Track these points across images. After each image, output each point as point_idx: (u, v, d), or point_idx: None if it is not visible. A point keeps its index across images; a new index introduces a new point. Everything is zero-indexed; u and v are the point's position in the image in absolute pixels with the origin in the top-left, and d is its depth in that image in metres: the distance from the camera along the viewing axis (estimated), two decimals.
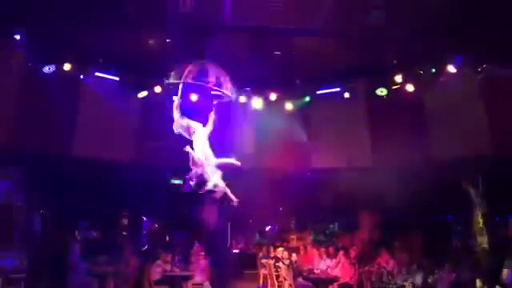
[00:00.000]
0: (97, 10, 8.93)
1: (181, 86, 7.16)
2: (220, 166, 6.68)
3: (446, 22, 9.09)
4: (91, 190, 11.39)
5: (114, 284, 10.93)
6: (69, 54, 10.85)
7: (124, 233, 13.33)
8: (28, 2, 8.79)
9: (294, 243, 14.70)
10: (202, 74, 6.90)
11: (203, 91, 7.40)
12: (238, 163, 6.70)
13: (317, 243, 14.40)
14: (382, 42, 10.00)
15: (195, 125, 6.96)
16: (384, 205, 12.74)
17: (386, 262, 11.72)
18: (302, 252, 13.61)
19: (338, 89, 12.24)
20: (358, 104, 12.32)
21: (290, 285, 11.45)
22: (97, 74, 11.46)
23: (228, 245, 14.62)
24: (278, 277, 11.62)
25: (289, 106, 12.56)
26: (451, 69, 10.68)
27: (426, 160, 11.44)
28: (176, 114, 7.08)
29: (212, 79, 6.88)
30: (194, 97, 10.52)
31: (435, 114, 11.44)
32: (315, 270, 12.40)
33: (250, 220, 15.59)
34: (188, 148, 6.58)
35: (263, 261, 12.75)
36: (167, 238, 14.15)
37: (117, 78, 11.71)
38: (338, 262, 12.14)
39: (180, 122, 7.04)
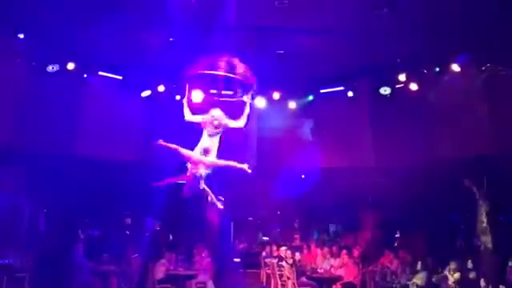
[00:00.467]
0: (100, 9, 8.93)
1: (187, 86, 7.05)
2: (222, 168, 6.67)
3: (449, 21, 9.06)
4: (94, 190, 11.39)
5: (117, 283, 10.94)
6: (72, 53, 10.86)
7: (127, 232, 13.34)
8: (31, 2, 8.79)
9: (297, 242, 14.69)
10: (232, 68, 6.88)
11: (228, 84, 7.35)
12: (245, 167, 6.63)
13: (320, 243, 14.39)
14: (385, 40, 9.96)
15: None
16: (387, 204, 12.74)
17: (389, 261, 11.70)
18: (305, 251, 13.60)
19: (341, 88, 12.22)
20: (362, 103, 12.29)
21: (294, 284, 11.44)
22: (100, 73, 11.47)
23: (231, 244, 14.62)
24: (281, 276, 11.61)
25: (292, 104, 12.55)
26: (455, 68, 10.64)
27: (429, 159, 11.40)
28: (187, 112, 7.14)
29: (240, 71, 6.88)
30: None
31: (439, 113, 11.39)
32: (319, 270, 12.40)
33: (252, 219, 15.60)
34: (161, 141, 6.58)
35: (266, 260, 12.75)
36: (170, 237, 14.15)
37: (120, 77, 11.71)
38: (342, 262, 12.13)
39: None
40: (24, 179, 10.68)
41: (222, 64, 6.89)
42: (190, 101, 7.15)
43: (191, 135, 11.73)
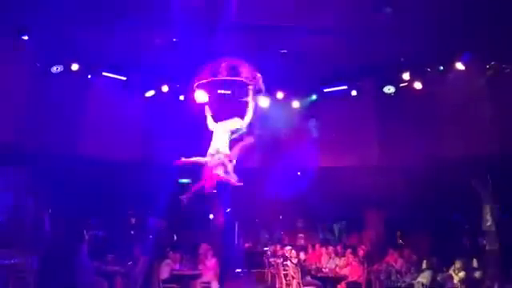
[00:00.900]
0: (104, 9, 8.95)
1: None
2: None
3: (453, 20, 9.04)
4: (99, 190, 11.43)
5: (122, 283, 10.95)
6: (76, 54, 10.89)
7: (132, 232, 13.36)
8: (36, 3, 8.82)
9: (301, 242, 14.70)
10: (234, 70, 6.97)
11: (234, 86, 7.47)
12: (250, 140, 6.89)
13: (325, 242, 14.39)
14: (389, 39, 9.94)
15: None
16: (392, 203, 12.71)
17: (394, 260, 11.68)
18: (310, 251, 13.60)
19: (345, 87, 12.20)
20: (366, 102, 12.28)
21: (299, 283, 11.43)
22: (104, 73, 11.50)
23: (236, 244, 14.63)
24: (286, 276, 11.61)
25: (296, 104, 12.54)
26: (459, 66, 10.61)
27: (433, 158, 11.37)
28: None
29: (245, 74, 6.96)
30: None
31: (443, 112, 11.37)
32: (323, 269, 12.41)
33: (257, 219, 15.60)
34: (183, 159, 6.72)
35: (271, 260, 12.75)
36: (175, 237, 14.17)
37: (124, 78, 11.74)
38: (347, 261, 12.13)
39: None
40: (29, 179, 10.72)
41: (226, 68, 6.95)
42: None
43: (194, 135, 11.81)
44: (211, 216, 14.28)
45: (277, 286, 11.88)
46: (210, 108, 7.55)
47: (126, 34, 9.91)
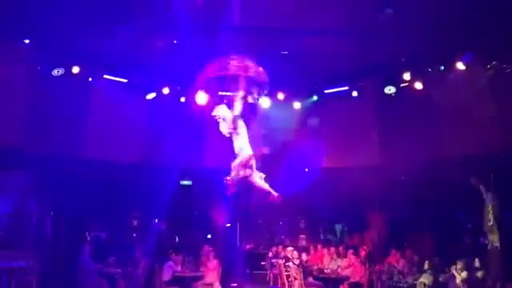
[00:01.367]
0: (104, 12, 8.97)
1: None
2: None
3: (453, 20, 9.04)
4: (101, 192, 11.43)
5: (124, 285, 10.96)
6: (77, 57, 10.91)
7: (134, 234, 13.37)
8: (36, 6, 8.84)
9: (303, 243, 14.70)
10: (245, 68, 6.87)
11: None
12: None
13: (327, 243, 14.39)
14: (389, 40, 9.95)
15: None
16: (393, 204, 12.71)
17: (396, 261, 11.68)
18: (312, 252, 13.59)
19: (346, 87, 12.21)
20: (367, 102, 12.28)
21: (301, 284, 11.42)
22: (105, 76, 11.51)
23: (238, 245, 14.64)
24: (288, 277, 11.59)
25: (297, 105, 12.55)
26: (460, 66, 10.60)
27: (435, 158, 11.37)
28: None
29: (253, 70, 6.88)
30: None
31: (444, 112, 11.36)
32: (325, 270, 12.41)
33: (259, 220, 15.60)
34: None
35: (273, 261, 12.74)
36: (177, 239, 14.19)
37: (125, 80, 11.76)
38: (348, 262, 12.13)
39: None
40: (31, 182, 10.71)
41: (235, 64, 6.87)
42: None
43: (195, 136, 11.81)
44: (213, 217, 14.28)
45: (279, 287, 11.88)
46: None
47: (126, 36, 9.91)
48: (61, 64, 10.80)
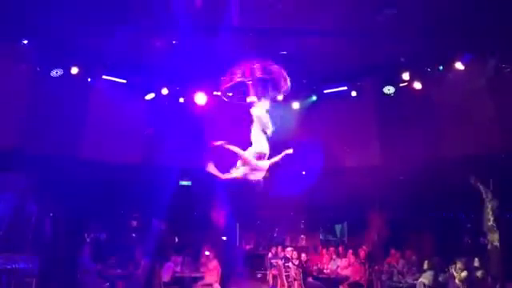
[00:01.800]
0: (103, 12, 8.96)
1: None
2: None
3: (452, 20, 9.04)
4: (100, 193, 11.43)
5: (124, 286, 10.97)
6: (76, 57, 10.89)
7: (133, 234, 13.38)
8: (35, 6, 8.83)
9: (303, 243, 14.70)
10: (265, 70, 6.95)
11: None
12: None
13: (326, 243, 14.40)
14: (388, 40, 9.94)
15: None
16: (393, 204, 12.71)
17: (396, 261, 11.70)
18: (311, 252, 13.60)
19: (345, 87, 12.20)
20: (366, 102, 12.25)
21: (300, 285, 11.45)
22: (104, 76, 11.50)
23: (237, 246, 14.64)
24: (287, 277, 11.62)
25: (296, 105, 12.54)
26: (459, 66, 10.60)
27: (434, 157, 11.37)
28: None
29: (258, 72, 6.94)
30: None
31: (443, 112, 11.36)
32: (325, 270, 12.42)
33: (259, 221, 15.61)
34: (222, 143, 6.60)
35: (273, 261, 12.75)
36: (176, 240, 14.19)
37: (124, 81, 11.75)
38: (348, 262, 12.14)
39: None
40: (30, 183, 10.72)
41: (260, 68, 6.95)
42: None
43: (194, 137, 11.80)
44: (212, 218, 14.28)
45: (278, 287, 11.89)
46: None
47: (125, 36, 9.90)
48: (60, 65, 10.77)
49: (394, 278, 11.10)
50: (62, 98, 10.79)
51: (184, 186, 14.43)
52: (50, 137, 10.79)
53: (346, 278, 11.81)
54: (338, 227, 15.32)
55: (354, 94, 12.11)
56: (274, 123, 7.59)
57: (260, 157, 6.83)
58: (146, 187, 11.82)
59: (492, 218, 10.47)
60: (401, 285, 10.78)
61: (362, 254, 12.14)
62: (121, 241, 12.52)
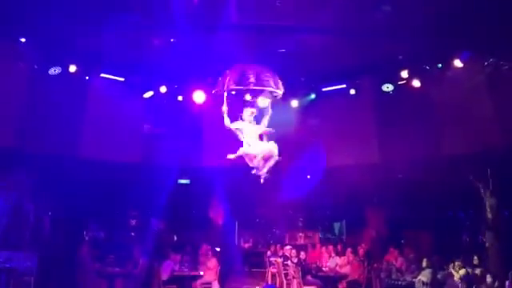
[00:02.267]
0: (101, 10, 8.93)
1: (225, 94, 7.27)
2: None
3: (451, 17, 9.03)
4: (99, 191, 11.42)
5: (122, 284, 10.96)
6: (74, 55, 10.86)
7: (132, 233, 13.36)
8: (33, 5, 8.80)
9: (301, 241, 14.70)
10: (242, 77, 7.02)
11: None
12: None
13: (325, 241, 14.39)
14: (387, 37, 9.93)
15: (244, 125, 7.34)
16: (392, 201, 12.72)
17: (394, 259, 11.70)
18: (310, 250, 13.59)
19: (343, 85, 12.18)
20: (364, 100, 12.24)
21: (299, 283, 11.44)
22: (102, 75, 11.48)
23: (236, 244, 14.64)
24: (286, 275, 11.61)
25: (294, 103, 12.52)
26: (458, 63, 10.59)
27: (433, 155, 11.37)
28: (227, 120, 7.25)
29: (252, 80, 7.00)
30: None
31: (442, 109, 11.35)
32: (324, 268, 12.42)
33: (258, 219, 15.61)
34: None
35: (271, 259, 12.75)
36: (175, 238, 14.18)
37: (122, 79, 11.72)
38: (347, 260, 12.14)
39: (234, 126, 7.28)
40: (29, 182, 10.70)
41: (235, 77, 7.01)
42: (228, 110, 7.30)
43: (192, 135, 11.78)
44: (211, 216, 14.29)
45: (277, 285, 11.88)
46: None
47: (123, 34, 9.88)
48: (57, 63, 10.74)
49: (393, 276, 11.10)
50: (60, 96, 10.76)
51: (183, 184, 14.42)
52: (47, 135, 10.78)
53: (345, 275, 11.81)
54: (336, 225, 15.31)
55: (352, 91, 12.09)
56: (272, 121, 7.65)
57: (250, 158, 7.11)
58: (144, 186, 11.80)
59: (491, 216, 10.47)
60: (399, 283, 10.77)
61: (360, 251, 12.14)
62: (119, 239, 12.51)
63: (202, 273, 11.63)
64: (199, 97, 11.48)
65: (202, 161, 13.15)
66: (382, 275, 11.32)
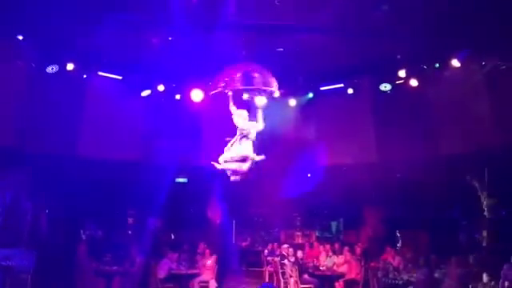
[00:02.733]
0: (98, 9, 8.91)
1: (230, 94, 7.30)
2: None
3: (449, 16, 9.03)
4: (96, 190, 11.40)
5: (119, 283, 10.96)
6: (71, 53, 10.83)
7: (129, 232, 13.36)
8: (30, 3, 8.78)
9: (299, 240, 14.72)
10: (246, 77, 7.06)
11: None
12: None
13: (322, 240, 14.41)
14: (385, 37, 9.93)
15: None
16: (389, 200, 12.73)
17: (391, 257, 11.71)
18: (307, 249, 13.61)
19: (341, 85, 12.18)
20: (362, 99, 12.24)
21: (296, 282, 11.45)
22: (100, 73, 11.45)
23: (233, 243, 14.65)
24: (283, 274, 11.62)
25: (292, 102, 12.52)
26: (455, 63, 10.59)
27: (431, 155, 11.39)
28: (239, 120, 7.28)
29: (258, 81, 7.06)
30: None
31: (440, 109, 11.36)
32: (321, 267, 12.43)
33: (255, 218, 15.62)
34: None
35: (269, 258, 12.77)
36: (172, 237, 14.19)
37: (120, 77, 11.70)
38: (344, 259, 12.16)
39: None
40: (26, 180, 10.69)
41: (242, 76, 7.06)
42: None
43: (190, 134, 11.76)
44: (209, 215, 14.29)
45: (274, 284, 11.89)
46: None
47: (121, 32, 9.85)
48: (55, 61, 10.71)
49: (390, 275, 11.11)
50: (58, 95, 10.73)
51: (180, 183, 14.41)
52: (45, 134, 10.75)
53: (342, 274, 11.83)
54: (334, 224, 15.34)
55: (350, 91, 12.09)
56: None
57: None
58: (141, 184, 11.79)
59: (488, 216, 10.49)
60: (396, 281, 10.79)
61: (358, 250, 12.16)
62: (117, 238, 12.51)
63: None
64: (197, 95, 11.47)
65: (200, 159, 13.14)
66: (379, 274, 11.34)
